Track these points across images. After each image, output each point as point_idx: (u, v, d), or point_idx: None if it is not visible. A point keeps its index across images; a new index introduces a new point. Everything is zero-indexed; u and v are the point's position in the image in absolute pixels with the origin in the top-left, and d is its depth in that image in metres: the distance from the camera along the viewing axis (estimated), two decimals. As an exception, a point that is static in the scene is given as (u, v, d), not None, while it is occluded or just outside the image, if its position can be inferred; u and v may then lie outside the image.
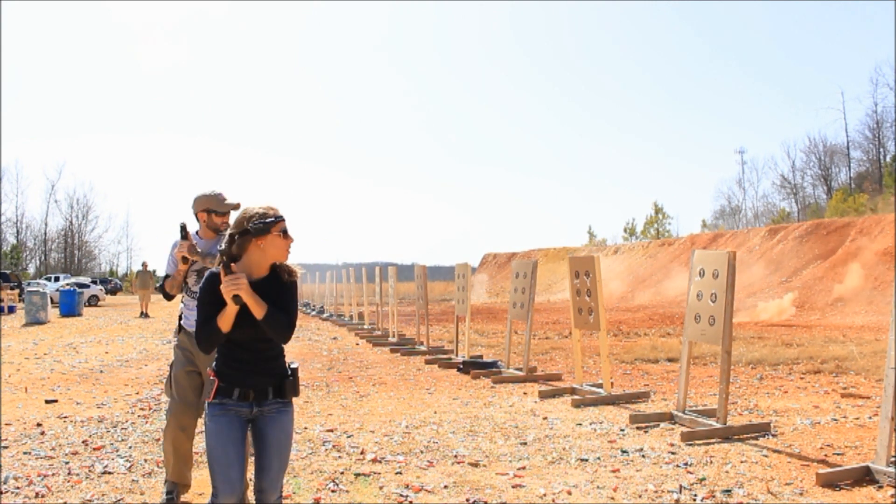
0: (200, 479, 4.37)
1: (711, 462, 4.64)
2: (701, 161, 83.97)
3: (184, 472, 4.01)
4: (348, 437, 5.57)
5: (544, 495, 4.04)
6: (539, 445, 5.19)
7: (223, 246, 2.58)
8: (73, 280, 35.56)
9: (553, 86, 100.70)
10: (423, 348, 11.73)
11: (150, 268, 20.12)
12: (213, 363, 2.63)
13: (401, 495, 4.07)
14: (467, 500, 3.99)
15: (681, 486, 4.14)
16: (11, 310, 24.88)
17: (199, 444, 4.66)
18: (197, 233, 4.12)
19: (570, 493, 4.08)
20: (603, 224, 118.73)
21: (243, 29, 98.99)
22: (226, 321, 2.50)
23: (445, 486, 4.23)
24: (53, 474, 4.57)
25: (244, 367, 2.58)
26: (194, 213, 4.13)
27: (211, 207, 4.05)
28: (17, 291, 27.79)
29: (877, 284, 19.51)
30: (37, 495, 4.14)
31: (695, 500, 3.92)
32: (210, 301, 2.54)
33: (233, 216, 4.05)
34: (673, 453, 4.88)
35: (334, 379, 8.78)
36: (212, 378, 2.57)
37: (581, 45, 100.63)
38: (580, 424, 5.88)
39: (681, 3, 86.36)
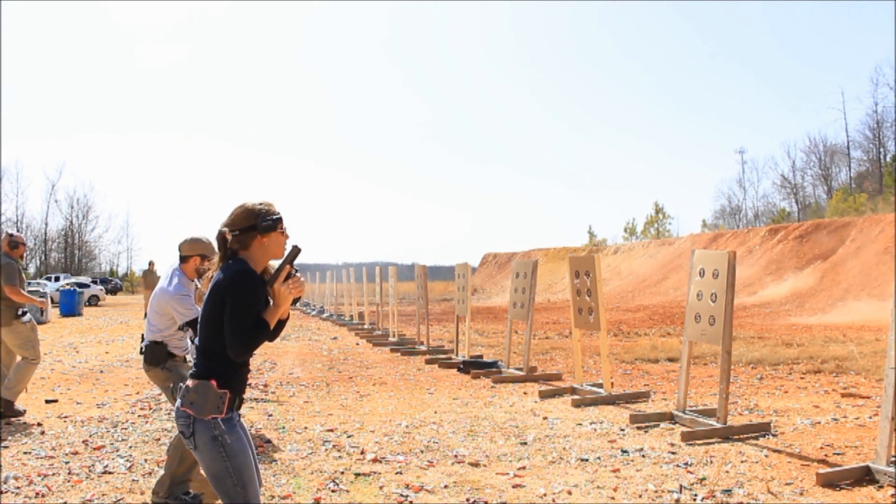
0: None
1: (711, 462, 4.64)
2: (701, 161, 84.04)
3: (182, 472, 3.99)
4: (348, 436, 5.57)
5: (544, 495, 4.04)
6: (539, 445, 5.19)
7: (233, 240, 2.48)
8: (74, 280, 35.56)
9: (553, 86, 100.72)
10: (423, 348, 11.73)
11: (156, 268, 19.94)
12: (193, 371, 2.44)
13: (401, 495, 4.07)
14: (467, 500, 3.99)
15: (681, 485, 4.14)
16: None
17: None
18: (182, 270, 4.33)
19: (570, 492, 4.08)
20: (603, 224, 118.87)
21: (243, 29, 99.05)
22: (273, 324, 2.42)
23: (445, 486, 4.23)
24: (54, 474, 4.57)
25: (243, 376, 2.50)
26: (183, 256, 4.33)
27: (205, 253, 4.31)
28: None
29: (876, 284, 19.51)
30: (37, 495, 4.14)
31: (695, 499, 3.92)
32: (258, 302, 2.40)
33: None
34: (673, 453, 4.88)
35: (334, 379, 8.78)
36: (220, 390, 2.39)
37: (581, 45, 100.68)
38: (580, 424, 5.88)
39: (681, 3, 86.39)
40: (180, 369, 4.25)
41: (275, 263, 2.58)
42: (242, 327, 2.34)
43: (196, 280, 4.38)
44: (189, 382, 2.41)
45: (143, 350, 4.31)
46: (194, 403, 2.38)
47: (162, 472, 4.04)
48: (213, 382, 2.38)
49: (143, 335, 4.38)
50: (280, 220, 2.52)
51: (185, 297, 4.20)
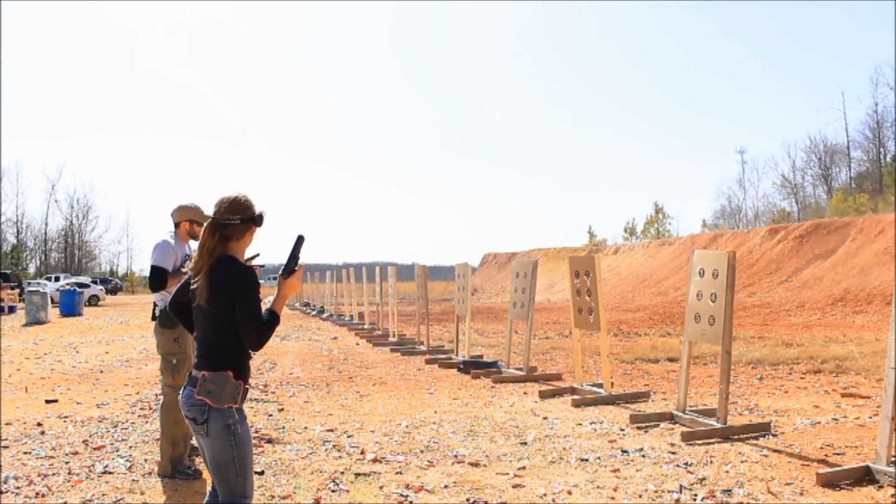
0: (187, 490, 4.37)
1: (711, 462, 4.64)
2: (701, 161, 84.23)
3: (181, 453, 4.51)
4: (348, 436, 5.57)
5: (544, 495, 4.03)
6: (539, 445, 5.19)
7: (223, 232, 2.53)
8: (74, 280, 35.54)
9: (554, 86, 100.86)
10: (423, 348, 11.72)
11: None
12: (205, 363, 2.49)
13: (401, 495, 4.07)
14: (467, 500, 3.99)
15: (681, 485, 4.14)
16: (12, 310, 24.87)
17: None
18: (176, 235, 4.71)
19: (570, 492, 4.07)
20: (603, 224, 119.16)
21: (244, 29, 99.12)
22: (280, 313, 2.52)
23: (445, 486, 4.23)
24: (54, 474, 4.57)
25: (249, 369, 2.59)
26: (175, 222, 4.72)
27: (194, 218, 4.70)
28: (17, 291, 27.78)
29: (877, 284, 19.51)
30: (37, 495, 4.14)
31: (695, 500, 3.92)
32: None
33: None
34: (673, 453, 4.88)
35: (334, 379, 8.78)
36: (236, 381, 2.47)
37: (582, 45, 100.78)
38: (580, 424, 5.88)
39: (682, 3, 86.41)
40: (189, 348, 4.54)
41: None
42: (258, 321, 2.44)
43: (188, 245, 4.75)
44: (205, 373, 2.47)
45: (158, 315, 4.62)
46: (212, 393, 2.45)
47: (160, 458, 4.54)
48: (230, 373, 2.47)
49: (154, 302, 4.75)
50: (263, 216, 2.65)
51: (160, 247, 4.55)
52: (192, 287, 2.54)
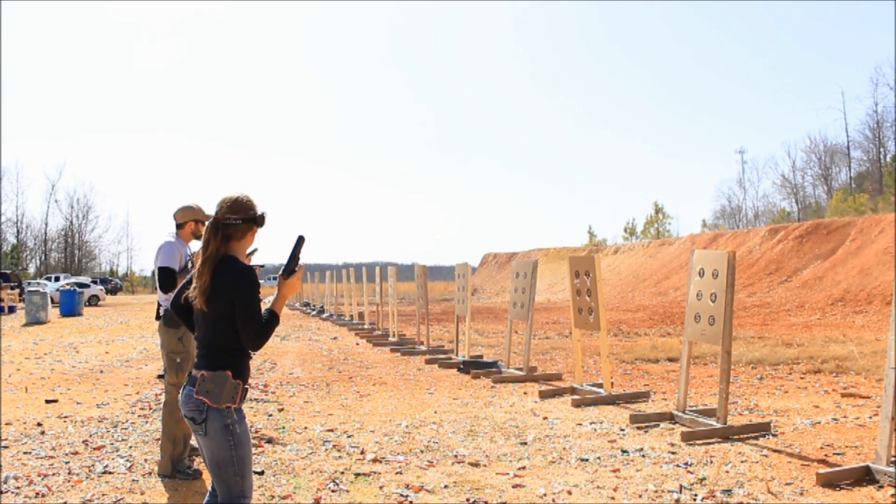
0: (188, 490, 4.37)
1: (711, 462, 4.64)
2: (701, 161, 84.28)
3: (181, 452, 4.50)
4: (348, 436, 5.57)
5: (544, 495, 4.03)
6: (539, 445, 5.19)
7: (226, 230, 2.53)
8: (74, 280, 35.53)
9: (554, 86, 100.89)
10: (423, 348, 11.72)
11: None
12: (204, 362, 2.48)
13: (401, 495, 4.07)
14: (467, 500, 3.99)
15: (681, 485, 4.14)
16: (12, 310, 24.87)
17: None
18: (178, 235, 4.75)
19: (570, 492, 4.07)
20: (603, 224, 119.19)
21: (243, 29, 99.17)
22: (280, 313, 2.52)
23: (445, 486, 4.23)
24: (54, 474, 4.57)
25: (249, 368, 2.59)
26: (179, 223, 4.77)
27: (199, 218, 4.77)
28: (17, 291, 27.77)
29: (877, 284, 19.50)
30: (37, 495, 4.14)
31: (695, 499, 3.92)
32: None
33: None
34: (673, 453, 4.88)
35: (334, 379, 8.78)
36: (235, 381, 2.47)
37: (582, 45, 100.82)
38: (580, 424, 5.87)
39: (682, 3, 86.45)
40: (192, 347, 4.53)
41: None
42: (258, 321, 2.44)
43: (189, 246, 4.77)
44: (204, 372, 2.47)
45: (163, 314, 4.62)
46: (210, 392, 2.45)
47: (161, 458, 4.54)
48: (229, 373, 2.47)
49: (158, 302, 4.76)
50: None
51: (165, 249, 4.56)
52: (192, 287, 2.54)
